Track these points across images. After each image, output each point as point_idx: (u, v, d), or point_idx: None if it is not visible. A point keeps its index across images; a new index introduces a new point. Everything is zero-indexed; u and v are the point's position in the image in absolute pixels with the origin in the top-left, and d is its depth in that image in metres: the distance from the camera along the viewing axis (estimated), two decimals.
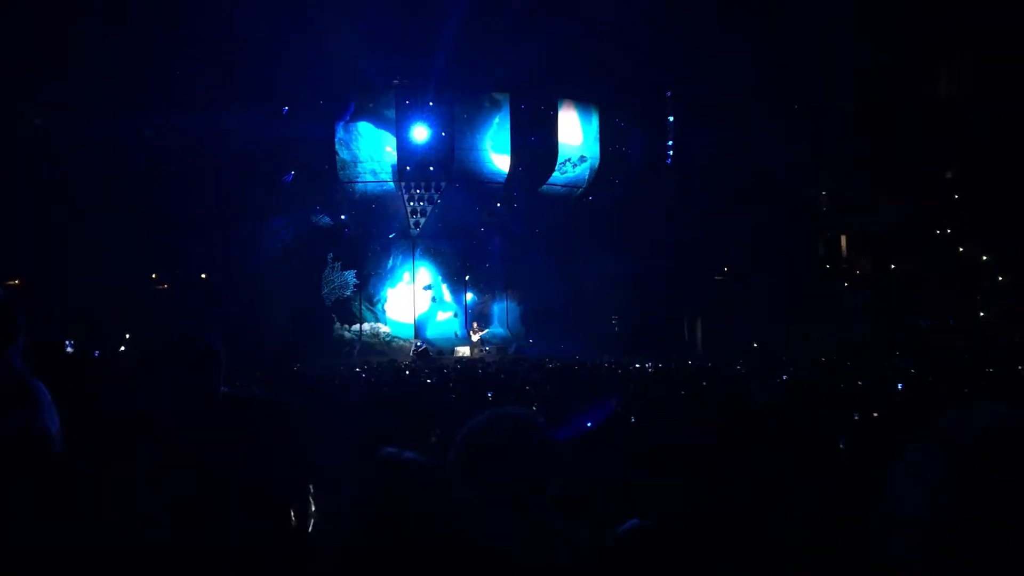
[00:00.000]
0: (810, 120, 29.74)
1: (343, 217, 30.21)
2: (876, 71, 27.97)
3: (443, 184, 28.72)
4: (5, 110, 23.66)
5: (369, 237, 30.97)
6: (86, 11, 23.10)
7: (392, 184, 29.84)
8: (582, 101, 30.54)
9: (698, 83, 28.51)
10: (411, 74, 28.33)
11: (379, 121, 28.67)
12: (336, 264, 30.45)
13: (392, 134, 28.64)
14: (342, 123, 28.56)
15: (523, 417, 2.07)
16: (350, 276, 30.51)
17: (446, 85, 27.85)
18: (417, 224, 29.63)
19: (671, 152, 31.78)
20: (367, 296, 30.93)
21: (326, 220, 30.16)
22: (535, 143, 29.59)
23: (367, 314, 30.68)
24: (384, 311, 30.99)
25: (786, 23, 26.06)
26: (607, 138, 31.06)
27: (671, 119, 31.71)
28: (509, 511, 1.87)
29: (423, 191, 28.97)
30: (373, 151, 29.23)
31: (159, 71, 24.46)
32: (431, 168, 28.48)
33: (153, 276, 28.91)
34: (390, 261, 31.47)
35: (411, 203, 29.11)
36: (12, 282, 23.46)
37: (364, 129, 28.77)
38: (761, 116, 29.72)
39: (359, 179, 29.07)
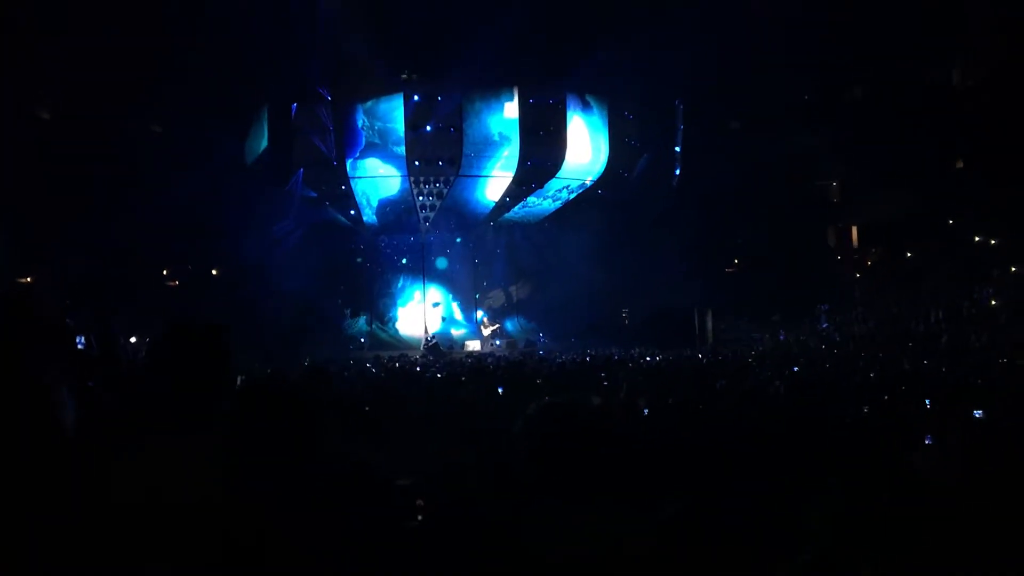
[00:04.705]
0: (819, 111, 29.62)
1: (352, 212, 30.30)
2: (887, 61, 27.86)
3: (452, 178, 28.62)
4: (17, 108, 23.77)
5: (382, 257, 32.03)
6: (89, 12, 23.11)
7: (374, 219, 30.72)
8: (590, 97, 30.05)
9: (707, 81, 28.14)
10: (419, 69, 28.22)
11: (388, 156, 28.51)
12: (346, 311, 31.50)
13: (399, 170, 28.52)
14: (352, 158, 28.30)
15: (585, 404, 2.18)
16: (363, 322, 31.49)
17: (455, 79, 27.70)
18: (427, 219, 29.64)
19: (678, 149, 31.53)
20: (378, 316, 31.34)
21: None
22: (543, 138, 29.29)
23: (380, 334, 31.05)
24: (396, 329, 31.27)
25: (794, 15, 25.90)
26: (615, 132, 30.73)
27: (680, 108, 31.41)
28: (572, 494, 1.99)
29: (432, 185, 28.87)
30: (372, 188, 29.58)
31: (167, 70, 24.48)
32: (440, 163, 28.35)
33: (164, 272, 29.06)
34: (400, 281, 31.80)
35: (420, 197, 29.06)
36: (24, 279, 23.61)
37: (372, 166, 28.69)
38: (770, 108, 29.57)
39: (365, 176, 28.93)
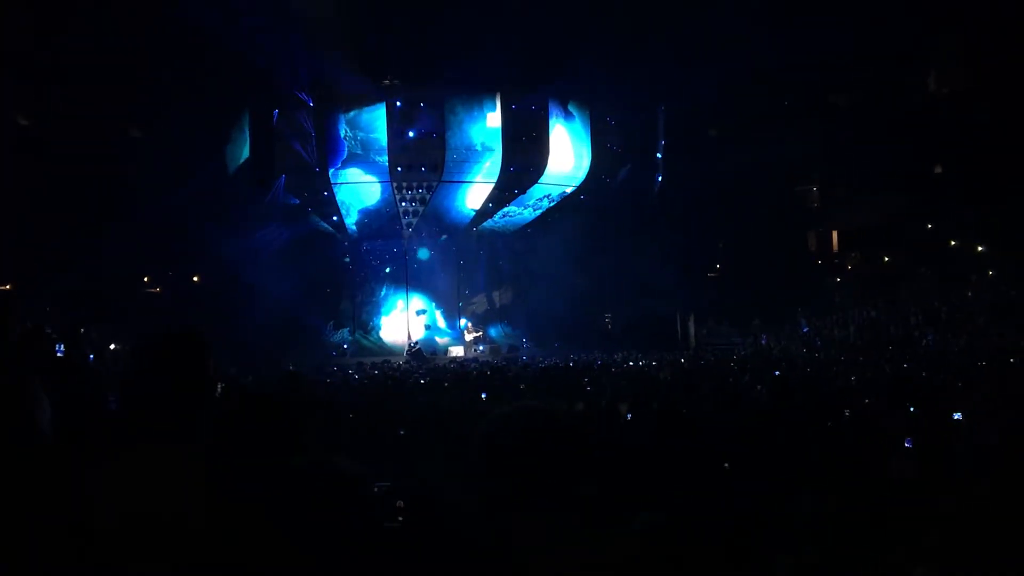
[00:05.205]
0: (800, 117, 29.78)
1: (335, 218, 30.21)
2: (867, 68, 28.06)
3: (435, 184, 28.58)
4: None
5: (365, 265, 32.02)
6: (76, 16, 22.99)
7: (355, 228, 30.81)
8: (572, 105, 30.04)
9: (688, 88, 28.18)
10: (401, 76, 28.15)
11: (370, 167, 28.51)
12: (330, 324, 31.40)
13: (380, 179, 28.58)
14: (334, 168, 28.21)
15: (551, 411, 2.05)
16: (345, 334, 31.36)
17: (437, 84, 27.67)
18: (410, 226, 29.60)
19: (660, 155, 31.60)
20: (361, 324, 31.28)
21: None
22: (526, 144, 29.25)
23: (363, 341, 30.92)
24: (380, 338, 31.21)
25: (775, 22, 26.02)
26: (598, 138, 30.76)
27: (662, 115, 31.46)
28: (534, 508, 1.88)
29: (415, 191, 28.81)
30: (353, 196, 29.56)
31: (149, 73, 24.36)
32: (423, 168, 28.30)
33: (145, 279, 28.86)
34: (383, 290, 31.74)
35: (403, 203, 29.00)
36: (3, 287, 23.40)
37: (353, 174, 28.68)
38: (751, 115, 29.70)
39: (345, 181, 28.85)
